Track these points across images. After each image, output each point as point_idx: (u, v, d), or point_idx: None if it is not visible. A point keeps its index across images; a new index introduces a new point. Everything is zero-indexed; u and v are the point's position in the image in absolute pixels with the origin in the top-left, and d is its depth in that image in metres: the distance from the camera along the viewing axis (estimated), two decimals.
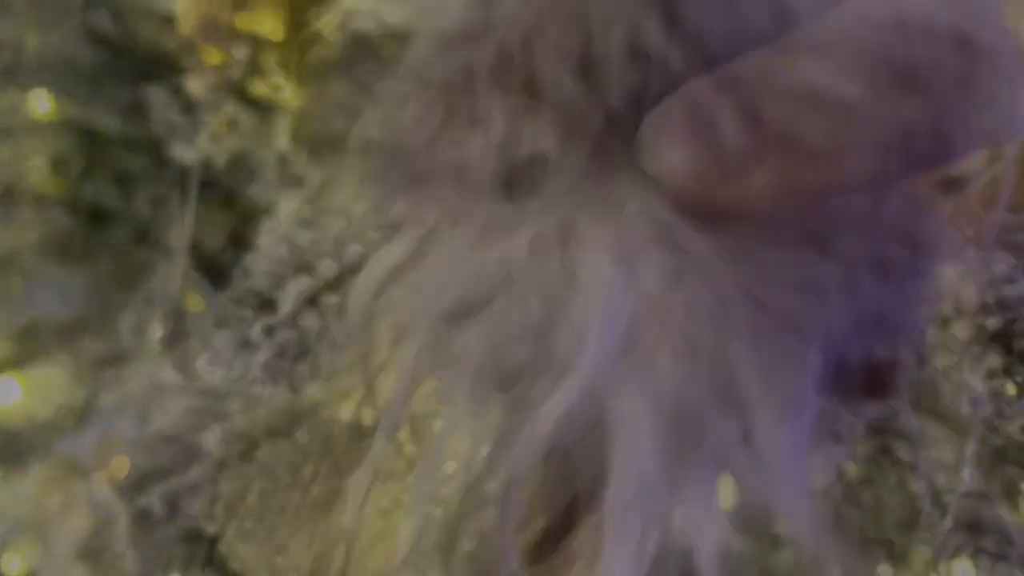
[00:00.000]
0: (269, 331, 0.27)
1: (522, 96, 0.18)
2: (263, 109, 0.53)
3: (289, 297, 0.27)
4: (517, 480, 0.20)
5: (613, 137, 0.18)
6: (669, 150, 0.17)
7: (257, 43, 0.58)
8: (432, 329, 0.21)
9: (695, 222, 0.18)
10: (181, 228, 0.57)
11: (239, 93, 0.53)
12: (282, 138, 0.54)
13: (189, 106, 0.52)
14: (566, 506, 0.22)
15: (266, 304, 0.28)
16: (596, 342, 0.18)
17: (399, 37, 0.22)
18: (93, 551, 0.70)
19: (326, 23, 0.28)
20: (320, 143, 0.25)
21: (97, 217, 0.75)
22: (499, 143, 0.19)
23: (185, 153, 0.52)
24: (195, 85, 0.52)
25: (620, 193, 0.18)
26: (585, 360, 0.19)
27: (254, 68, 0.56)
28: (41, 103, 0.76)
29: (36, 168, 0.74)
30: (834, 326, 0.19)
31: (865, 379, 0.22)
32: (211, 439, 0.46)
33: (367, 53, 0.23)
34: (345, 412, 0.40)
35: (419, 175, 0.20)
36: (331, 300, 0.27)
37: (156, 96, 0.53)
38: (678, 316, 0.18)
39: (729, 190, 0.16)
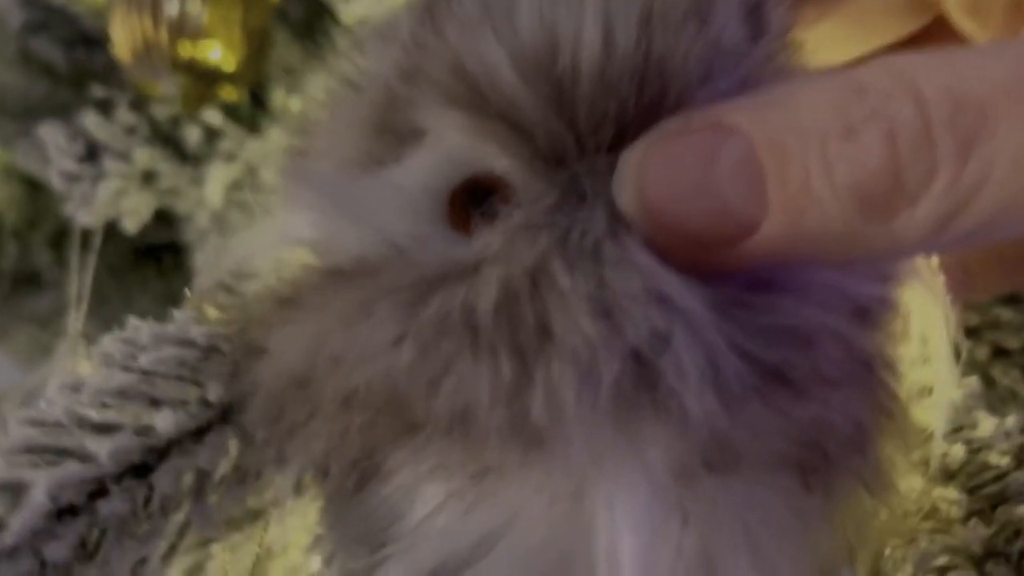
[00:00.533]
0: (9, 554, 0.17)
1: (531, 336, 0.18)
2: (192, 158, 0.42)
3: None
4: None
5: (633, 378, 0.18)
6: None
7: (207, 75, 0.48)
8: None
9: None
10: (78, 305, 0.45)
11: (164, 139, 0.42)
12: (215, 195, 0.42)
13: (92, 151, 0.40)
14: None
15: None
16: None
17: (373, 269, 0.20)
18: None
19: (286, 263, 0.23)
20: (287, 392, 0.19)
21: (22, 281, 0.65)
22: (508, 385, 0.18)
23: (81, 214, 0.41)
24: (97, 126, 0.41)
25: (639, 440, 0.19)
26: None
27: (194, 106, 0.45)
28: None
29: None
30: None
31: None
32: None
33: (341, 284, 0.21)
34: None
35: (415, 423, 0.20)
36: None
37: (49, 138, 0.41)
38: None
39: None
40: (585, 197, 0.19)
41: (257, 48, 0.51)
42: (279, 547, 0.30)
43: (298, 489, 0.24)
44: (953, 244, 0.18)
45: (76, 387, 0.20)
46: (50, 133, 0.42)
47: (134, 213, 0.42)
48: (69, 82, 0.64)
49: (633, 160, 0.19)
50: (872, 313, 0.21)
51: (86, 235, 0.45)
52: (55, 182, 0.42)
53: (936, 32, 0.26)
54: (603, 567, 0.20)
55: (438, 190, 0.21)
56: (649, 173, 0.19)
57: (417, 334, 0.19)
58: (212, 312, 0.24)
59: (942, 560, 0.23)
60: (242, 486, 0.21)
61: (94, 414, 0.20)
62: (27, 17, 0.63)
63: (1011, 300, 0.32)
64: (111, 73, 0.64)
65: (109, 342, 0.24)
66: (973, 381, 0.27)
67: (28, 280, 0.66)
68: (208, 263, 0.34)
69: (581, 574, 0.20)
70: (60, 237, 0.68)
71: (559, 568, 0.21)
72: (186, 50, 0.48)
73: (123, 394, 0.20)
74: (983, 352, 0.32)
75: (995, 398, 0.33)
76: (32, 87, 0.63)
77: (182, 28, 0.48)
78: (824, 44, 0.25)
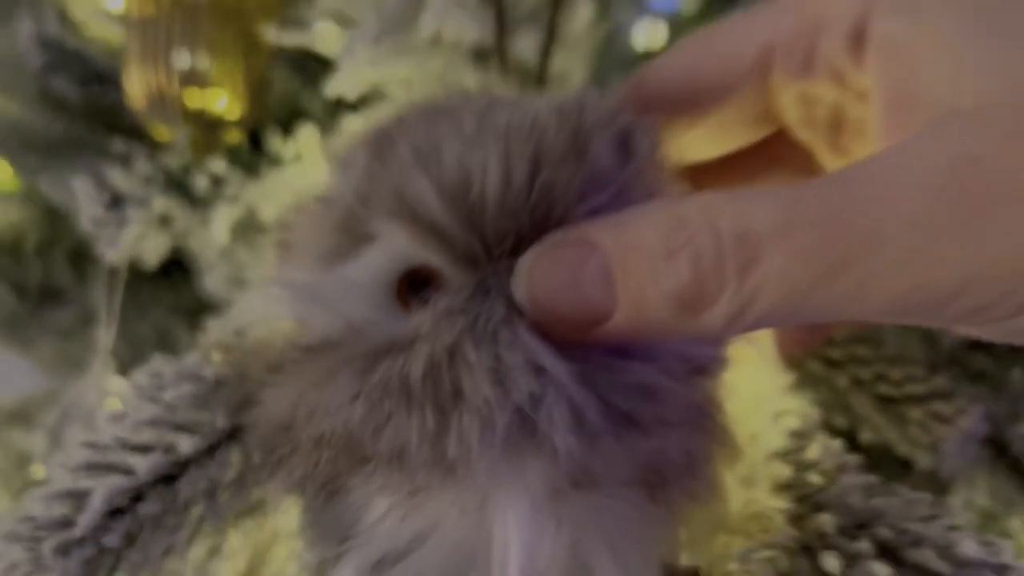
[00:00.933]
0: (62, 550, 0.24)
1: (448, 396, 0.24)
2: (200, 202, 0.48)
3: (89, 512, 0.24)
4: None
5: (518, 426, 0.24)
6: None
7: (210, 123, 0.54)
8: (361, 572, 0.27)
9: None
10: (108, 328, 0.51)
11: (177, 185, 0.48)
12: (221, 233, 0.48)
13: (116, 200, 0.46)
14: None
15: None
16: None
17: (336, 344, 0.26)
18: None
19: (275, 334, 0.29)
20: (275, 433, 0.25)
21: (46, 296, 0.70)
22: (432, 431, 0.24)
23: (109, 251, 0.47)
24: (120, 179, 0.47)
25: (523, 468, 0.25)
26: None
27: (202, 153, 0.51)
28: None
29: None
30: None
31: None
32: None
33: (312, 356, 0.27)
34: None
35: (366, 457, 0.26)
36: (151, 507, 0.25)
37: (80, 189, 0.47)
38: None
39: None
40: (490, 291, 0.25)
41: (256, 96, 0.57)
42: (284, 532, 0.36)
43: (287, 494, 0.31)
44: (745, 331, 0.24)
45: (119, 418, 0.27)
46: (81, 185, 0.47)
47: (153, 252, 0.48)
48: (85, 118, 0.69)
49: (525, 265, 0.24)
50: (705, 369, 0.27)
51: (112, 272, 0.51)
52: (85, 225, 0.47)
53: (778, 140, 0.31)
54: (498, 559, 0.25)
55: (387, 279, 0.27)
56: (535, 275, 0.24)
57: (367, 394, 0.25)
58: (218, 356, 0.30)
59: (764, 554, 0.29)
60: (244, 489, 0.28)
61: (134, 438, 0.26)
62: (46, 58, 0.67)
63: (864, 339, 0.38)
64: (122, 110, 0.69)
65: (140, 376, 0.30)
66: (814, 411, 0.33)
67: (51, 295, 0.71)
68: (214, 323, 0.40)
69: (484, 564, 0.26)
70: (78, 255, 0.74)
71: (468, 559, 0.26)
72: (195, 100, 0.53)
73: (153, 423, 0.27)
74: (843, 381, 0.38)
75: (847, 420, 0.39)
76: (51, 124, 0.67)
77: (191, 80, 0.53)
78: (693, 147, 0.31)
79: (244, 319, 0.31)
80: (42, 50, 0.66)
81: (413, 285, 0.26)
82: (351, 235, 0.27)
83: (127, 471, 0.25)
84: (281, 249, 0.30)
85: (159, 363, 0.30)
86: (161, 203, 0.47)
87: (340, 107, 0.53)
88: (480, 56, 0.42)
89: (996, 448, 0.41)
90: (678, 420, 0.26)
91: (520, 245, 0.25)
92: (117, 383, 0.52)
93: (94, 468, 0.25)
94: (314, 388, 0.26)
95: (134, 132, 0.66)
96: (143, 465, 0.25)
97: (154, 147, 0.55)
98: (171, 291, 0.70)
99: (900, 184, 0.22)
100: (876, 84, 0.27)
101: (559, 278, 0.24)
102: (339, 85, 0.43)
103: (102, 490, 0.24)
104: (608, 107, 0.28)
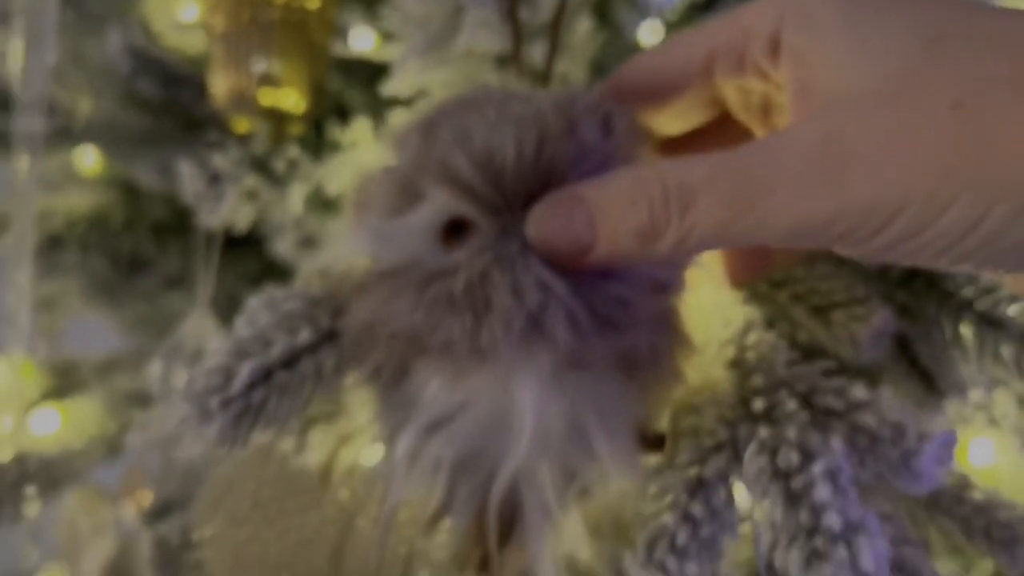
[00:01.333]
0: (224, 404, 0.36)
1: (481, 306, 0.33)
2: (280, 180, 0.60)
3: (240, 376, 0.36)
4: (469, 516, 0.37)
5: (530, 325, 0.32)
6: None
7: (280, 117, 0.65)
8: (421, 433, 0.36)
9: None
10: (205, 285, 0.63)
11: (261, 167, 0.60)
12: (297, 205, 0.60)
13: (215, 177, 0.58)
14: (500, 534, 0.37)
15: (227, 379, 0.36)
16: (519, 450, 0.34)
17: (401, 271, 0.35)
18: (117, 572, 0.76)
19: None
20: (360, 334, 0.37)
21: (134, 265, 0.82)
22: (470, 330, 0.33)
23: (209, 219, 0.59)
24: (221, 160, 0.59)
25: (534, 355, 0.33)
26: (514, 458, 0.34)
27: (276, 141, 0.63)
28: (88, 161, 0.84)
29: (82, 219, 0.81)
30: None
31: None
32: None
33: (384, 280, 0.36)
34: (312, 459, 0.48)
35: (421, 347, 0.34)
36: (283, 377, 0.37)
37: (186, 169, 0.59)
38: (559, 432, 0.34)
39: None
40: (509, 233, 0.33)
41: (317, 94, 0.68)
42: (350, 435, 0.48)
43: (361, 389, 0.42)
44: (688, 253, 0.34)
45: (254, 321, 0.38)
46: (186, 167, 0.59)
47: (243, 219, 0.60)
48: (164, 114, 0.81)
49: (534, 216, 0.33)
50: (667, 286, 0.35)
51: (209, 236, 0.63)
52: (188, 199, 0.59)
53: (724, 120, 0.40)
54: (517, 420, 0.33)
55: (434, 226, 0.35)
56: (541, 221, 0.33)
57: (424, 306, 0.33)
58: (317, 281, 0.41)
59: (712, 409, 0.38)
60: (341, 371, 0.39)
61: (271, 334, 0.37)
62: (132, 64, 0.78)
63: (807, 261, 0.49)
64: (196, 106, 0.81)
65: (260, 297, 0.41)
66: (757, 315, 0.42)
67: (138, 264, 0.83)
68: (310, 262, 0.52)
69: (507, 424, 0.34)
70: (158, 230, 0.86)
71: (496, 421, 0.34)
72: (269, 98, 0.65)
73: (279, 325, 0.38)
74: (783, 296, 0.48)
75: (788, 326, 0.49)
76: (139, 119, 0.79)
77: (266, 81, 0.65)
78: (660, 126, 0.41)
79: (333, 257, 0.42)
80: (130, 57, 0.78)
81: (453, 230, 0.35)
82: (408, 195, 0.36)
83: (264, 354, 0.37)
84: (358, 206, 0.39)
85: (272, 289, 0.41)
86: (250, 181, 0.59)
87: (387, 103, 0.64)
88: (501, 62, 0.53)
89: (909, 361, 0.52)
90: (645, 323, 0.35)
91: (530, 200, 0.34)
92: (212, 327, 0.64)
93: (242, 351, 0.37)
94: (387, 302, 0.35)
95: (206, 125, 0.78)
96: (276, 350, 0.37)
97: (227, 137, 0.67)
98: (238, 261, 0.82)
99: (791, 151, 0.30)
100: (786, 79, 0.35)
101: (558, 222, 0.33)
102: (394, 87, 0.54)
103: (248, 365, 0.36)
104: (593, 98, 0.37)
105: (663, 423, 0.39)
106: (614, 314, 0.34)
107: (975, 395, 0.60)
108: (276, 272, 0.83)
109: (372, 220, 0.38)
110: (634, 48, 0.73)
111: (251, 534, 0.46)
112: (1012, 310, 0.50)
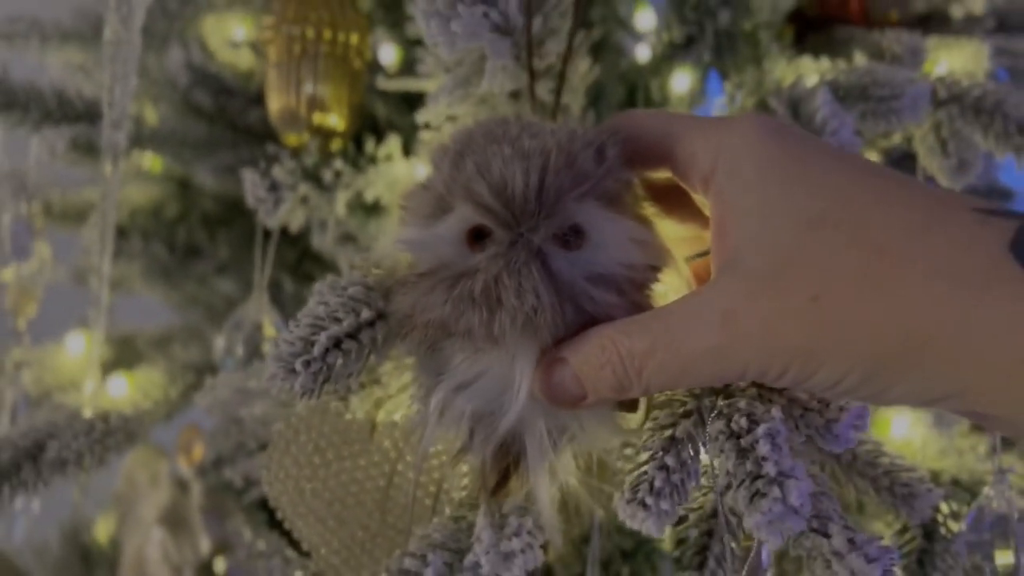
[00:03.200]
0: (306, 364, 0.45)
1: (494, 303, 0.41)
2: (327, 188, 0.72)
3: (320, 342, 0.46)
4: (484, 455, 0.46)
5: (528, 318, 0.41)
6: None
7: (325, 134, 0.77)
8: (449, 391, 0.45)
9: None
10: (262, 273, 0.75)
11: (312, 177, 0.72)
12: (341, 209, 0.72)
13: (274, 185, 0.70)
14: (506, 465, 0.47)
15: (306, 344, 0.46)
16: (518, 408, 0.43)
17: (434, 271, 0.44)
18: (172, 518, 0.87)
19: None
20: (402, 320, 0.46)
21: (188, 252, 0.94)
22: (486, 321, 0.41)
23: (269, 220, 0.70)
24: (280, 171, 0.70)
25: (530, 339, 0.42)
26: (511, 416, 0.43)
27: (323, 155, 0.75)
28: (149, 162, 0.95)
29: (142, 211, 0.93)
30: None
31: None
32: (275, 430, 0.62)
33: (421, 278, 0.45)
34: (379, 415, 0.59)
35: (449, 332, 0.43)
36: (350, 345, 0.46)
37: (249, 178, 0.71)
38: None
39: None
40: (517, 245, 0.41)
41: (356, 114, 0.79)
42: (386, 397, 0.59)
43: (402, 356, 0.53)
44: (651, 392, 0.41)
45: (325, 302, 0.49)
46: (248, 175, 0.70)
47: (296, 221, 0.73)
48: (216, 122, 0.92)
49: (538, 379, 0.42)
50: (645, 285, 0.43)
51: (266, 233, 0.75)
52: (250, 203, 0.70)
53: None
54: (517, 386, 0.42)
55: (461, 233, 0.43)
56: (544, 385, 0.42)
57: (452, 300, 0.42)
58: (371, 271, 0.49)
59: None
60: (388, 344, 0.49)
61: (339, 312, 0.48)
62: (191, 78, 0.90)
63: None
64: (244, 115, 0.92)
65: (324, 283, 0.52)
66: None
67: (192, 252, 0.94)
68: (356, 255, 0.63)
69: (510, 388, 0.43)
70: (209, 222, 0.97)
71: (503, 386, 0.43)
72: (316, 117, 0.76)
73: (345, 305, 0.49)
74: None
75: None
76: (195, 126, 0.89)
77: (314, 103, 0.75)
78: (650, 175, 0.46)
79: (383, 254, 0.51)
80: (188, 72, 0.89)
81: (477, 236, 0.43)
82: (441, 208, 0.44)
83: (336, 327, 0.47)
84: (403, 211, 0.48)
85: (335, 278, 0.53)
86: (302, 188, 0.71)
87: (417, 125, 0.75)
88: (514, 96, 0.64)
89: None
90: (620, 317, 0.42)
91: (538, 218, 0.41)
92: (267, 306, 0.76)
93: (318, 324, 0.47)
94: (423, 296, 0.43)
95: (253, 132, 0.89)
96: (345, 323, 0.48)
97: (280, 149, 0.77)
98: (279, 252, 0.92)
99: (704, 326, 0.38)
100: (711, 214, 0.41)
101: (555, 384, 0.42)
102: (426, 115, 0.64)
103: (323, 337, 0.46)
104: (590, 135, 0.44)
105: None
106: (596, 311, 0.42)
107: None
108: (310, 262, 0.95)
109: (412, 226, 0.46)
110: (633, 67, 0.84)
111: (311, 475, 0.58)
112: None
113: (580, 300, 0.42)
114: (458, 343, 0.45)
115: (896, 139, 0.78)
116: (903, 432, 0.72)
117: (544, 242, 0.43)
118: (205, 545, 0.86)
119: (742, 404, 0.42)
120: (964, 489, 0.66)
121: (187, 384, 0.84)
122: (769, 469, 0.39)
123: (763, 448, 0.40)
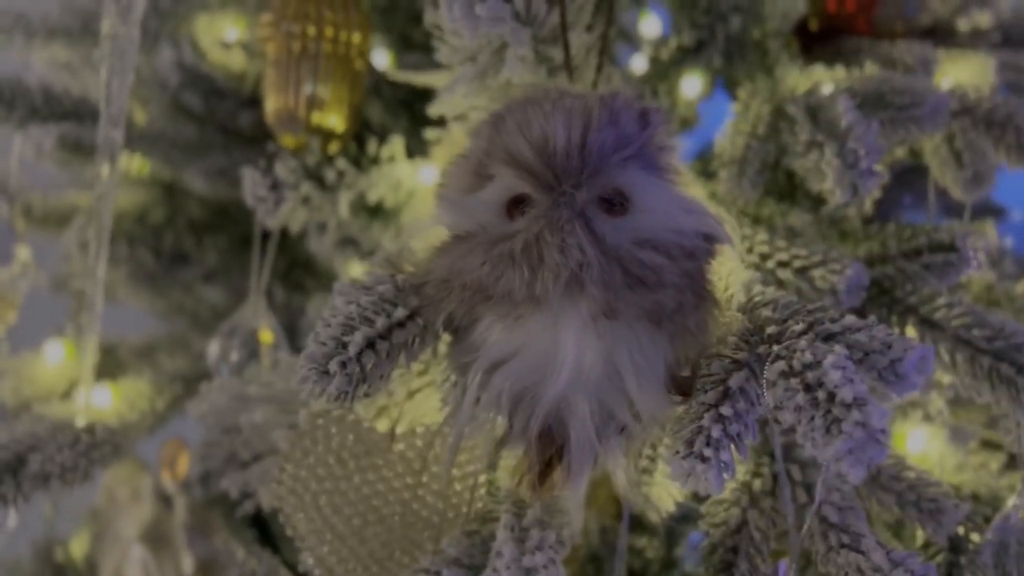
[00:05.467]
0: (342, 365, 0.43)
1: (536, 261, 0.40)
2: (330, 188, 0.69)
3: (354, 342, 0.44)
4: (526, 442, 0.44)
5: (573, 279, 0.40)
6: None
7: (325, 134, 0.75)
8: (484, 370, 0.43)
9: None
10: (259, 276, 0.72)
11: (314, 176, 0.69)
12: (343, 210, 0.70)
13: (276, 184, 0.67)
14: (550, 457, 0.44)
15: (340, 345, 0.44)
16: (562, 381, 0.40)
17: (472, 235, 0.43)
18: (154, 535, 0.84)
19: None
20: (439, 285, 0.44)
21: (175, 258, 0.91)
22: (527, 281, 0.40)
23: (269, 220, 0.68)
24: (281, 169, 0.68)
25: (576, 304, 0.40)
26: (555, 390, 0.41)
27: (325, 155, 0.72)
28: (135, 166, 0.92)
29: (128, 215, 0.90)
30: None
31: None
32: (280, 437, 0.59)
33: (459, 241, 0.44)
34: (382, 424, 0.57)
35: (488, 295, 0.41)
36: (383, 346, 0.44)
37: (249, 176, 0.68)
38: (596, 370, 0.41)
39: None
40: (560, 205, 0.40)
41: (356, 115, 0.77)
42: (389, 407, 0.56)
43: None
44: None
45: (355, 300, 0.47)
46: (249, 173, 0.68)
47: (297, 222, 0.70)
48: (207, 124, 0.89)
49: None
50: (695, 255, 0.42)
51: (264, 235, 0.73)
52: (249, 202, 0.68)
53: None
54: (562, 357, 0.40)
55: (501, 200, 0.42)
56: None
57: (491, 261, 0.40)
58: (403, 266, 0.47)
59: (732, 339, 0.43)
60: (422, 344, 0.47)
61: (370, 313, 0.46)
62: (181, 78, 0.88)
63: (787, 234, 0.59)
64: (235, 117, 0.90)
65: (346, 283, 0.50)
66: (758, 276, 0.49)
67: (179, 258, 0.91)
68: (383, 241, 0.61)
69: (553, 364, 0.40)
70: (196, 228, 0.94)
71: (545, 361, 0.40)
72: (315, 118, 0.73)
73: (375, 305, 0.47)
74: (772, 263, 0.57)
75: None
76: (185, 128, 0.87)
77: (313, 104, 0.73)
78: None
79: (412, 233, 0.50)
80: (179, 72, 0.87)
81: (516, 204, 0.42)
82: (480, 175, 0.43)
83: (369, 324, 0.45)
84: (440, 187, 0.47)
85: (359, 276, 0.50)
86: (304, 188, 0.68)
87: (419, 126, 0.74)
88: None
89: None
90: (672, 283, 0.41)
91: (581, 176, 0.40)
92: (264, 311, 0.73)
93: (349, 326, 0.45)
94: (461, 258, 0.42)
95: (245, 135, 0.87)
96: (377, 324, 0.45)
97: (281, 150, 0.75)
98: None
99: None
100: None
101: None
102: (441, 107, 0.63)
103: (358, 336, 0.44)
104: (633, 96, 0.44)
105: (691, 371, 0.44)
106: (644, 275, 0.40)
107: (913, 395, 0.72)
108: (301, 270, 0.92)
109: (451, 196, 0.45)
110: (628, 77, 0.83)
111: (332, 487, 0.55)
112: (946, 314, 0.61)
113: (627, 263, 0.40)
114: (497, 311, 0.42)
115: (900, 153, 0.78)
116: (919, 447, 0.71)
117: (588, 204, 0.41)
118: (188, 564, 0.83)
119: (802, 343, 0.40)
120: (983, 503, 0.66)
121: (174, 395, 0.80)
122: (845, 394, 0.37)
123: (834, 376, 0.37)
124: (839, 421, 0.36)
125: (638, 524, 0.79)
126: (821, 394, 0.37)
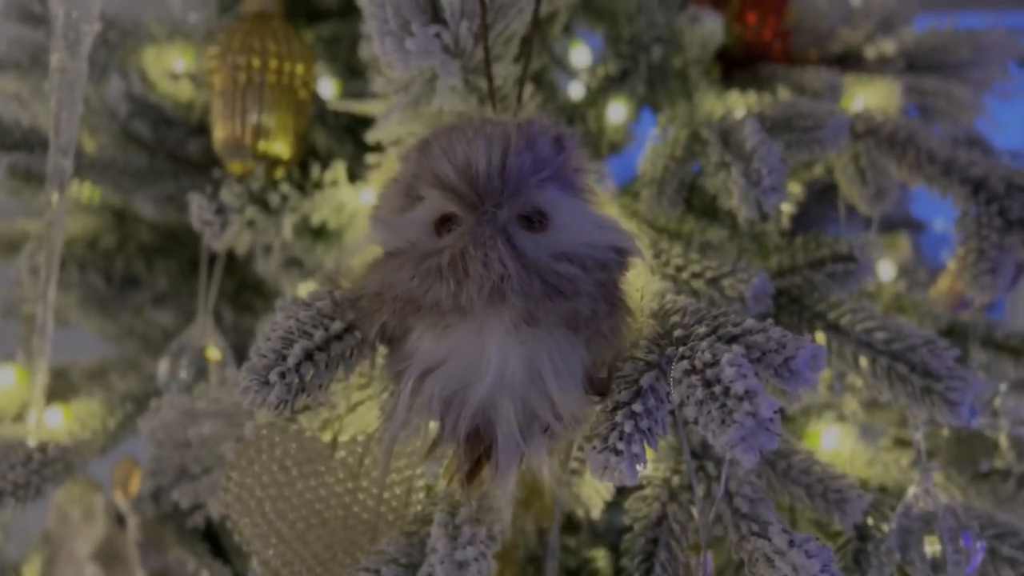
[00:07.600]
0: (281, 375, 0.45)
1: (461, 274, 0.43)
2: (274, 212, 0.73)
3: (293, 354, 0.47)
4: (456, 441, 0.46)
5: (494, 290, 0.43)
6: None
7: (270, 161, 0.78)
8: (416, 376, 0.45)
9: None
10: (207, 296, 0.75)
11: (258, 200, 0.73)
12: (287, 232, 0.73)
13: (221, 208, 0.70)
14: (479, 456, 0.46)
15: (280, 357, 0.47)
16: (487, 384, 0.43)
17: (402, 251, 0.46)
18: (107, 554, 0.85)
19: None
20: (371, 299, 0.47)
21: (125, 282, 0.93)
22: (453, 293, 0.43)
23: (215, 243, 0.71)
24: (227, 194, 0.71)
25: (499, 312, 0.43)
26: (482, 393, 0.44)
27: (270, 180, 0.76)
28: (85, 193, 0.94)
29: (79, 241, 0.92)
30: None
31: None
32: (228, 449, 0.62)
33: (390, 258, 0.47)
34: (326, 435, 0.60)
35: (417, 306, 0.45)
36: (321, 357, 0.47)
37: (196, 201, 0.71)
38: (519, 373, 0.44)
39: None
40: (483, 223, 0.43)
41: (302, 142, 0.80)
42: (333, 420, 0.60)
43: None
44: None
45: (295, 316, 0.50)
46: (196, 199, 0.71)
47: (242, 244, 0.73)
48: (156, 153, 0.91)
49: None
50: (608, 266, 0.45)
51: (211, 259, 0.76)
52: (196, 226, 0.71)
53: None
54: (487, 362, 0.43)
55: (429, 219, 0.45)
56: None
57: (419, 275, 0.43)
58: (341, 282, 0.50)
59: (643, 342, 0.46)
60: (358, 356, 0.50)
61: (308, 327, 0.49)
62: (130, 108, 0.89)
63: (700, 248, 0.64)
64: (183, 146, 0.92)
65: (287, 300, 0.53)
66: (670, 286, 0.55)
67: (129, 282, 0.93)
68: (327, 261, 0.64)
69: (479, 368, 0.43)
70: (147, 253, 0.97)
71: (472, 366, 0.43)
72: (261, 145, 0.76)
73: (313, 319, 0.50)
74: (686, 275, 0.61)
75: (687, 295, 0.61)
76: (135, 156, 0.88)
77: (259, 132, 0.76)
78: None
79: (349, 252, 0.53)
80: (127, 102, 0.89)
81: (443, 222, 0.45)
82: (410, 196, 0.47)
83: (310, 338, 0.48)
84: (374, 208, 0.50)
85: (300, 295, 0.53)
86: (249, 212, 0.72)
87: (359, 152, 0.77)
88: None
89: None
90: (588, 292, 0.44)
91: (501, 196, 0.44)
92: (212, 330, 0.76)
93: (292, 338, 0.48)
94: (392, 273, 0.45)
95: (193, 162, 0.90)
96: (317, 336, 0.48)
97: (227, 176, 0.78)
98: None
99: None
100: None
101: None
102: (377, 134, 0.66)
103: (298, 347, 0.47)
104: (549, 123, 0.48)
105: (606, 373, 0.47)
106: (561, 285, 0.44)
107: (826, 396, 0.77)
108: (249, 292, 0.95)
109: (384, 216, 0.48)
110: (568, 102, 0.88)
111: (276, 493, 0.58)
112: (851, 320, 0.65)
113: (546, 275, 0.44)
114: (427, 321, 0.45)
115: (818, 171, 0.83)
116: (833, 444, 0.75)
117: (509, 221, 0.45)
118: None
119: (704, 344, 0.44)
120: (890, 495, 0.70)
121: (125, 414, 0.83)
122: (737, 388, 0.40)
123: (728, 372, 0.41)
124: (732, 412, 0.40)
125: (589, 530, 0.83)
126: (718, 388, 0.41)
